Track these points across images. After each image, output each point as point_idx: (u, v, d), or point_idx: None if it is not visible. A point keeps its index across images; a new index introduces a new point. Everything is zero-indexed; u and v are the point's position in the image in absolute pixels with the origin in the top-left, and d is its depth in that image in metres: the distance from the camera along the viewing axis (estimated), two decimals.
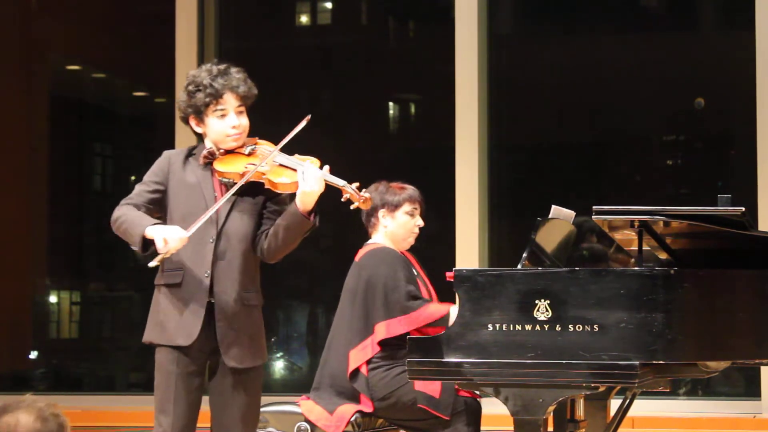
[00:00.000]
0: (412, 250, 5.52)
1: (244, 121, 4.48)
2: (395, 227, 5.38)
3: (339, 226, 7.59)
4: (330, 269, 8.68)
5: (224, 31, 8.56)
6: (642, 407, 6.42)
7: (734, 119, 8.06)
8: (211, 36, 8.47)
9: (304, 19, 9.18)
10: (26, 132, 9.23)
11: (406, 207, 5.39)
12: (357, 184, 4.41)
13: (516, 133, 8.24)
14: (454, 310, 4.96)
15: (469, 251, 7.71)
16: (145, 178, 4.53)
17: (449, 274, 4.87)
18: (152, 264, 4.29)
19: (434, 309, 5.17)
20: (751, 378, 7.55)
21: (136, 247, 4.35)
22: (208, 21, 8.47)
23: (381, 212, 5.39)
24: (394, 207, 5.38)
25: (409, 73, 8.72)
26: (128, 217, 4.39)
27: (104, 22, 9.26)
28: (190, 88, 4.46)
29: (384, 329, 5.16)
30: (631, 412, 5.26)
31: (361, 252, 5.40)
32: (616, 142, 8.39)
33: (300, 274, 8.67)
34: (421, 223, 5.43)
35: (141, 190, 4.49)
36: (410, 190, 5.43)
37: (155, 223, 4.34)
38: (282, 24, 9.01)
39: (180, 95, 4.52)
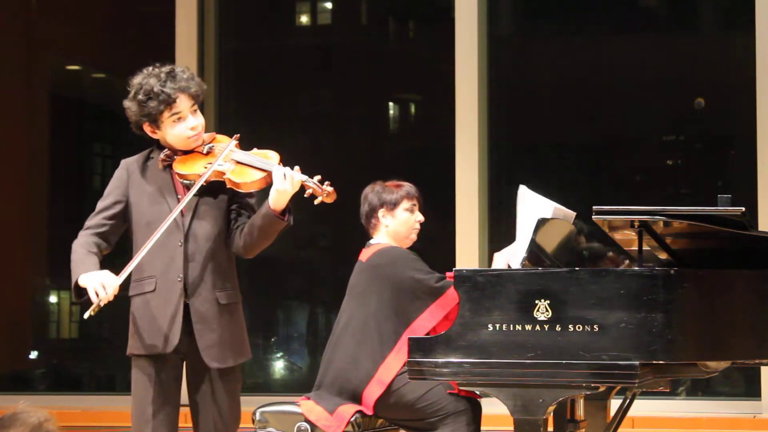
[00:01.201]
0: (413, 248, 5.49)
1: (200, 120, 4.46)
2: (396, 225, 5.33)
3: (339, 226, 7.58)
4: (330, 269, 8.68)
5: (224, 31, 8.56)
6: (642, 407, 6.42)
7: (734, 119, 8.06)
8: (211, 36, 8.47)
9: (304, 19, 9.18)
10: (26, 132, 9.23)
11: (405, 204, 5.34)
12: (319, 177, 4.37)
13: (516, 133, 8.23)
14: None
15: (469, 251, 7.71)
16: (105, 192, 4.50)
17: (449, 274, 4.86)
18: (86, 316, 4.23)
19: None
20: (751, 378, 7.54)
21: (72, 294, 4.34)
22: (208, 21, 8.46)
23: (380, 212, 5.34)
24: (393, 205, 5.33)
25: (409, 73, 8.72)
26: (74, 257, 4.36)
27: (104, 22, 9.26)
28: (140, 97, 4.39)
29: (425, 320, 5.05)
30: (631, 412, 5.25)
31: (367, 252, 5.30)
32: (616, 142, 8.39)
33: (300, 274, 8.66)
34: (421, 218, 5.38)
35: (100, 210, 4.47)
36: (407, 186, 5.39)
37: (89, 270, 4.28)
38: (282, 24, 9.01)
39: (128, 104, 4.45)
